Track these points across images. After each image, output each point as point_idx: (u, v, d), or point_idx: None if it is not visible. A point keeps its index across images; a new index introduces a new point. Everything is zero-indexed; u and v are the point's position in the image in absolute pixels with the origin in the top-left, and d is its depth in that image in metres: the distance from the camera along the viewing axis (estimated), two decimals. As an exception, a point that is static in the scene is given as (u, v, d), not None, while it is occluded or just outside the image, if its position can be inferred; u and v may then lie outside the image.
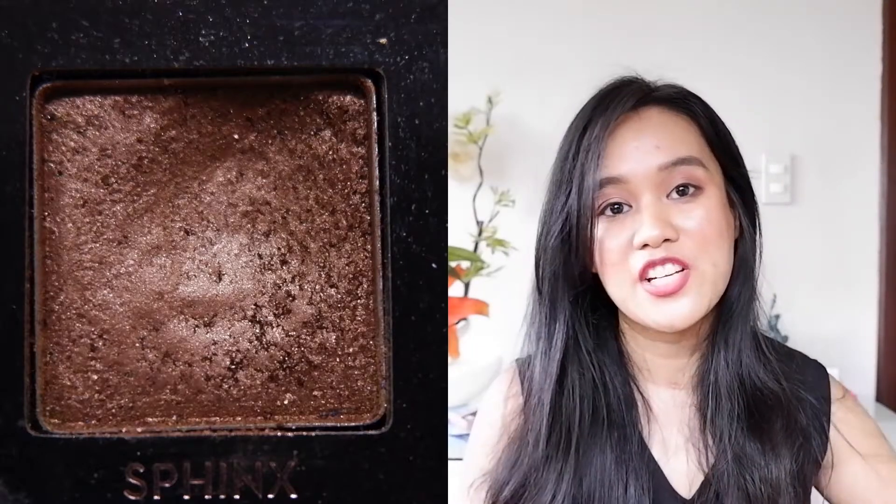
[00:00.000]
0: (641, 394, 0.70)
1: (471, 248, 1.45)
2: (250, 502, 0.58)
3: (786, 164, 1.51)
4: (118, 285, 0.60)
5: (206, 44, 0.58)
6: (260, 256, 0.60)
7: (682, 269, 0.63)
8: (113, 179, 0.60)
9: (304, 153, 0.60)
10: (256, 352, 0.60)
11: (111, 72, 0.58)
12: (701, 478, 0.68)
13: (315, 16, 0.58)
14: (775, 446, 0.66)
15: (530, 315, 0.72)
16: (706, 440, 0.68)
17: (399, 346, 0.58)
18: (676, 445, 0.69)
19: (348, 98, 0.60)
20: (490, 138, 1.47)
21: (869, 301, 1.53)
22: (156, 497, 0.58)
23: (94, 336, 0.59)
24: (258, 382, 0.60)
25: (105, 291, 0.60)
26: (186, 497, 0.58)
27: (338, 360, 0.60)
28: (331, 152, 0.60)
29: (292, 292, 0.60)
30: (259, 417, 0.59)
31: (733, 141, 0.69)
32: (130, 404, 0.59)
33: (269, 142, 0.60)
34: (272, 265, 0.60)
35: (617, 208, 0.66)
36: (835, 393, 0.71)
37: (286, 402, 0.60)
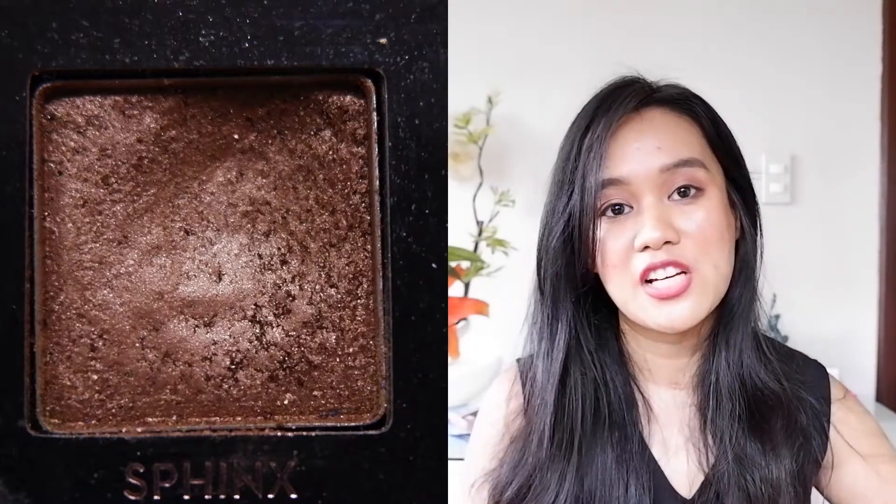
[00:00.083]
0: (642, 394, 0.71)
1: (471, 248, 1.45)
2: (250, 502, 0.58)
3: (786, 164, 1.51)
4: (118, 285, 0.60)
5: (206, 44, 0.58)
6: (260, 256, 0.60)
7: (683, 273, 0.63)
8: (113, 179, 0.60)
9: (304, 153, 0.60)
10: (256, 352, 0.60)
11: (111, 72, 0.58)
12: (701, 478, 0.68)
13: (315, 16, 0.58)
14: (776, 447, 0.66)
15: (532, 315, 0.72)
16: (706, 440, 0.68)
17: (399, 346, 0.58)
18: (677, 445, 0.69)
19: (348, 98, 0.60)
20: (490, 138, 1.47)
21: (869, 301, 1.53)
22: (156, 497, 0.58)
23: (94, 336, 0.59)
24: (258, 382, 0.60)
25: (105, 291, 0.60)
26: (186, 497, 0.58)
27: (338, 360, 0.60)
28: (331, 152, 0.60)
29: (292, 292, 0.60)
30: (259, 417, 0.59)
31: (735, 142, 0.69)
32: (130, 404, 0.59)
33: (269, 142, 0.60)
34: (272, 265, 0.60)
35: (618, 209, 0.66)
36: (835, 393, 0.71)
37: (286, 402, 0.60)
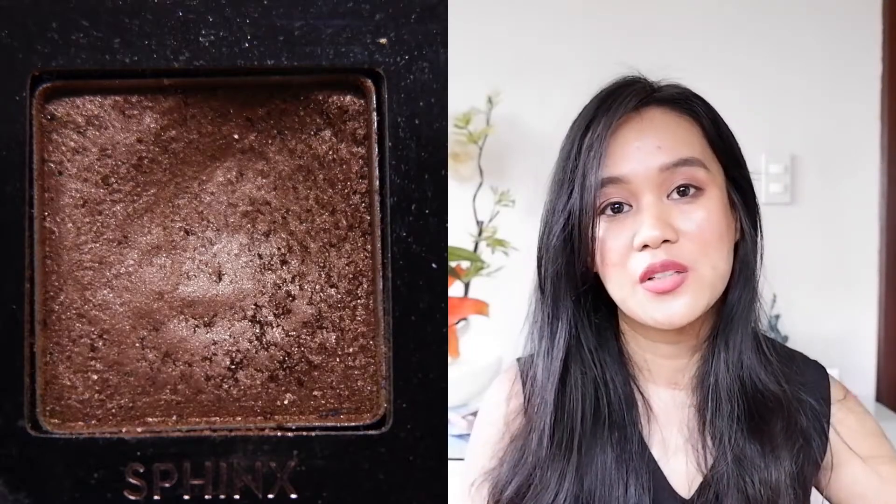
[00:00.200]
0: (642, 394, 0.71)
1: (471, 248, 1.45)
2: (250, 502, 0.58)
3: (786, 164, 1.51)
4: (118, 285, 0.60)
5: (206, 44, 0.58)
6: (260, 256, 0.60)
7: (682, 271, 0.64)
8: (113, 179, 0.60)
9: (304, 153, 0.60)
10: (256, 352, 0.60)
11: (111, 72, 0.58)
12: (700, 478, 0.68)
13: (315, 16, 0.58)
14: (775, 448, 0.66)
15: (532, 314, 0.72)
16: (705, 441, 0.68)
17: (399, 346, 0.58)
18: (676, 446, 0.69)
19: (348, 98, 0.60)
20: (490, 138, 1.47)
21: (869, 301, 1.53)
22: (156, 497, 0.58)
23: (94, 336, 0.59)
24: (258, 382, 0.60)
25: (105, 291, 0.60)
26: (186, 497, 0.58)
27: (338, 360, 0.60)
28: (331, 152, 0.60)
29: (292, 292, 0.60)
30: (259, 417, 0.59)
31: (736, 142, 0.69)
32: (130, 404, 0.59)
33: (269, 142, 0.60)
34: (272, 265, 0.60)
35: (618, 208, 0.66)
36: (835, 394, 0.71)
37: (286, 402, 0.60)
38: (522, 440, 0.70)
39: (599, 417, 0.68)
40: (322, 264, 0.60)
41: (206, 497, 0.58)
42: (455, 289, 1.44)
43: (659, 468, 0.68)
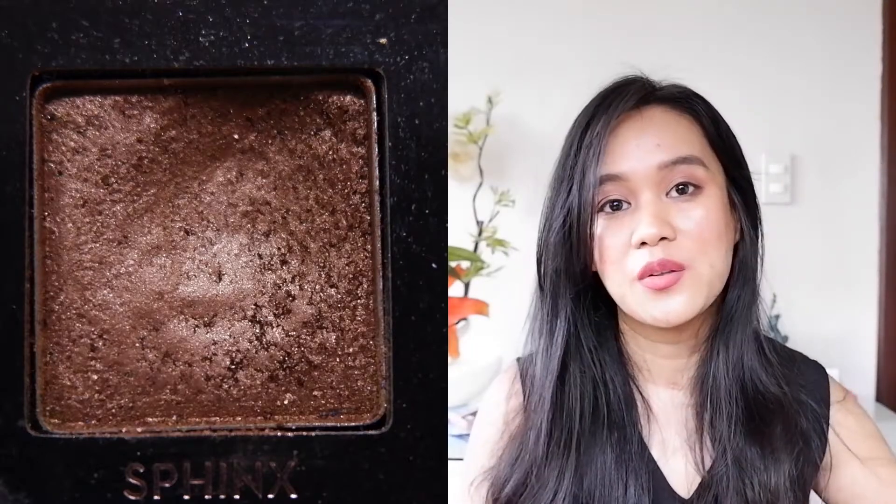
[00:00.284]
0: (641, 394, 0.71)
1: (471, 248, 1.45)
2: (250, 502, 0.58)
3: (786, 164, 1.51)
4: (118, 285, 0.60)
5: (206, 44, 0.58)
6: (260, 256, 0.60)
7: (679, 269, 0.64)
8: (113, 179, 0.60)
9: (304, 153, 0.60)
10: (256, 352, 0.60)
11: (111, 72, 0.58)
12: (699, 479, 0.68)
13: (315, 16, 0.58)
14: (775, 451, 0.66)
15: (532, 312, 0.72)
16: (703, 442, 0.68)
17: (399, 346, 0.58)
18: (675, 446, 0.69)
19: (348, 98, 0.60)
20: (490, 138, 1.47)
21: (869, 301, 1.53)
22: (156, 497, 0.58)
23: (94, 336, 0.59)
24: (258, 382, 0.60)
25: (105, 291, 0.60)
26: (186, 497, 0.58)
27: (338, 360, 0.60)
28: (331, 152, 0.60)
29: (292, 292, 0.60)
30: (259, 417, 0.59)
31: (737, 142, 0.69)
32: (130, 404, 0.59)
33: (269, 142, 0.60)
34: (272, 265, 0.60)
35: (616, 206, 0.66)
36: (834, 395, 0.71)
37: (286, 402, 0.60)
38: (521, 438, 0.70)
39: (598, 417, 0.68)
40: (322, 264, 0.60)
41: (206, 497, 0.58)
42: (455, 289, 1.44)
43: (658, 468, 0.68)
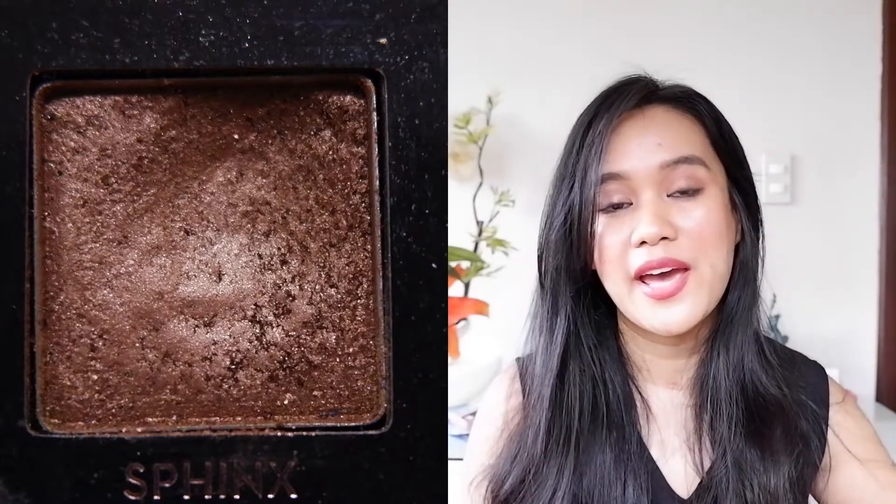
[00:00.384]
0: (640, 394, 0.70)
1: (471, 248, 1.45)
2: (250, 502, 0.58)
3: (786, 164, 1.51)
4: (118, 285, 0.60)
5: (206, 44, 0.58)
6: (260, 256, 0.60)
7: (679, 270, 0.63)
8: (113, 179, 0.60)
9: (304, 153, 0.60)
10: (256, 352, 0.60)
11: (111, 72, 0.58)
12: (698, 480, 0.68)
13: (315, 16, 0.58)
14: (774, 453, 0.66)
15: (533, 309, 0.72)
16: (702, 442, 0.68)
17: (399, 346, 0.58)
18: (674, 446, 0.69)
19: (348, 98, 0.60)
20: (490, 138, 1.47)
21: (869, 301, 1.53)
22: (156, 497, 0.57)
23: (94, 336, 0.59)
24: (258, 382, 0.60)
25: (105, 291, 0.59)
26: (186, 497, 0.58)
27: (338, 360, 0.60)
28: (331, 152, 0.60)
29: (292, 292, 0.60)
30: (259, 417, 0.59)
31: (739, 143, 0.69)
32: (130, 404, 0.59)
33: (269, 142, 0.60)
34: (272, 265, 0.60)
35: (617, 205, 0.66)
36: (834, 397, 0.71)
37: (286, 402, 0.60)
38: (520, 436, 0.70)
39: (598, 416, 0.68)
40: (322, 264, 0.60)
41: (206, 497, 0.58)
42: (455, 289, 1.44)
43: (658, 468, 0.68)
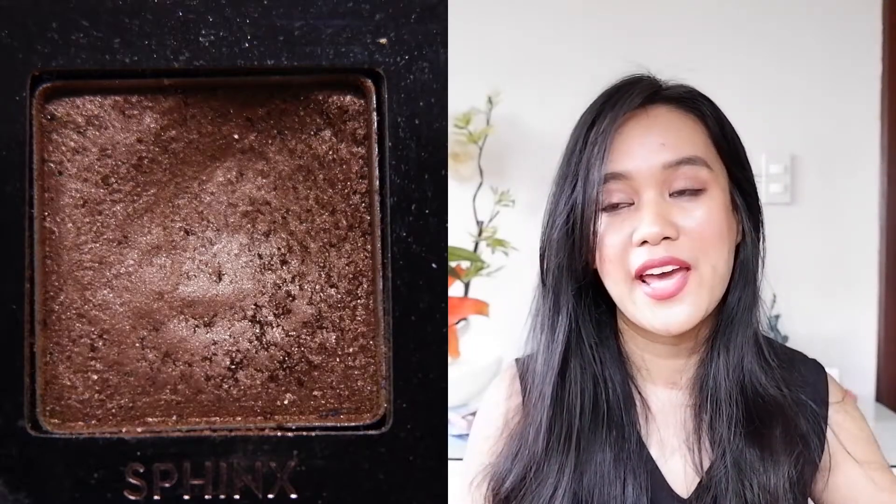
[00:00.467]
0: (640, 393, 0.71)
1: (471, 248, 1.45)
2: (250, 502, 0.58)
3: (786, 164, 1.51)
4: (118, 285, 0.60)
5: (206, 44, 0.58)
6: (260, 256, 0.60)
7: (681, 270, 0.63)
8: (113, 179, 0.60)
9: (304, 153, 0.60)
10: (256, 352, 0.60)
11: (111, 72, 0.58)
12: (697, 479, 0.68)
13: (315, 16, 0.58)
14: (774, 453, 0.66)
15: (534, 307, 0.72)
16: (701, 442, 0.68)
17: (399, 346, 0.58)
18: (673, 446, 0.69)
19: (348, 98, 0.60)
20: (490, 138, 1.47)
21: (869, 301, 1.53)
22: (156, 497, 0.58)
23: (94, 336, 0.59)
24: (258, 382, 0.60)
25: (105, 291, 0.59)
26: (186, 497, 0.58)
27: (338, 360, 0.60)
28: (331, 152, 0.60)
29: (292, 292, 0.60)
30: (259, 417, 0.59)
31: (741, 144, 0.69)
32: (130, 404, 0.59)
33: (269, 142, 0.60)
34: (272, 265, 0.60)
35: (619, 204, 0.66)
36: (833, 396, 0.71)
37: (286, 402, 0.60)
38: (521, 434, 0.70)
39: (598, 414, 0.68)
40: (322, 264, 0.60)
41: (206, 497, 0.58)
42: (455, 289, 1.44)
43: (657, 468, 0.68)
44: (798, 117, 1.51)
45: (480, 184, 1.48)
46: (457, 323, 1.41)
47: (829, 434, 0.69)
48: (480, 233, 1.45)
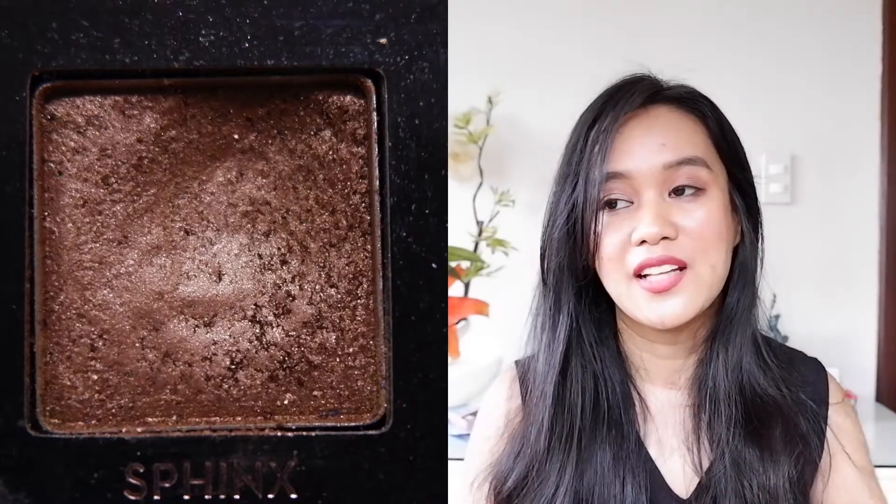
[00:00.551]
0: (639, 393, 0.71)
1: (471, 248, 1.45)
2: (250, 502, 0.58)
3: (786, 164, 1.51)
4: (118, 285, 0.60)
5: (206, 44, 0.58)
6: (260, 256, 0.60)
7: (679, 269, 0.64)
8: (113, 179, 0.60)
9: (304, 153, 0.60)
10: (256, 352, 0.60)
11: (111, 72, 0.58)
12: (697, 480, 0.68)
13: (315, 16, 0.58)
14: (774, 453, 0.66)
15: (535, 306, 0.72)
16: (700, 442, 0.68)
17: (399, 346, 0.58)
18: (672, 446, 0.69)
19: (348, 98, 0.60)
20: (490, 138, 1.47)
21: (869, 301, 1.53)
22: (156, 497, 0.58)
23: (94, 336, 0.59)
24: (258, 382, 0.60)
25: (105, 291, 0.60)
26: (186, 497, 0.58)
27: (338, 360, 0.60)
28: (331, 152, 0.60)
29: (292, 292, 0.60)
30: (259, 417, 0.59)
31: (741, 145, 0.69)
32: (130, 404, 0.59)
33: (269, 142, 0.60)
34: (272, 265, 0.60)
35: (619, 203, 0.66)
36: (833, 396, 0.71)
37: (286, 402, 0.60)
38: (522, 434, 0.70)
39: (598, 413, 0.68)
40: (322, 264, 0.60)
41: (206, 497, 0.58)
42: (455, 289, 1.44)
43: (656, 467, 0.68)
44: (798, 117, 1.51)
45: (480, 184, 1.48)
46: (457, 323, 1.41)
47: (828, 434, 0.69)
48: (480, 233, 1.45)
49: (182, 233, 0.60)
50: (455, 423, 1.26)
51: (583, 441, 0.67)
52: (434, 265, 0.58)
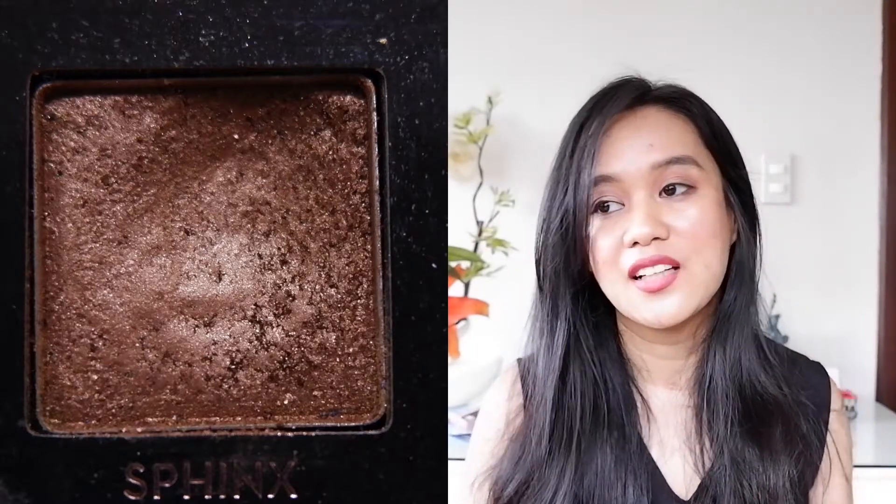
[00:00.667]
0: (640, 394, 0.71)
1: (471, 248, 1.45)
2: (250, 502, 0.58)
3: (786, 164, 1.51)
4: (118, 285, 0.60)
5: (206, 44, 0.58)
6: (260, 256, 0.60)
7: (673, 268, 0.64)
8: (113, 179, 0.60)
9: (304, 153, 0.61)
10: (256, 352, 0.60)
11: (111, 72, 0.58)
12: (698, 480, 0.68)
13: (315, 16, 0.58)
14: (774, 453, 0.66)
15: (533, 313, 0.72)
16: (702, 443, 0.68)
17: (399, 346, 0.58)
18: (674, 447, 0.69)
19: (348, 98, 0.60)
20: (490, 138, 1.47)
21: (869, 301, 1.53)
22: (156, 497, 0.58)
23: (94, 336, 0.59)
24: (258, 382, 0.60)
25: (105, 291, 0.60)
26: (186, 497, 0.58)
27: (338, 360, 0.60)
28: (331, 152, 0.60)
29: (292, 292, 0.60)
30: (259, 417, 0.59)
31: (733, 142, 0.69)
32: (130, 404, 0.59)
33: (269, 142, 0.60)
34: (272, 265, 0.60)
35: (610, 206, 0.66)
36: (834, 402, 0.71)
37: (286, 402, 0.60)
38: (523, 438, 0.70)
39: (599, 416, 0.68)
40: (322, 264, 0.60)
41: (206, 497, 0.58)
42: (455, 289, 1.44)
43: (658, 469, 0.68)
44: (798, 117, 1.51)
45: (480, 184, 1.48)
46: (457, 323, 1.41)
47: (829, 439, 0.69)
48: (480, 233, 1.45)
49: (182, 233, 0.60)
50: (455, 423, 1.26)
51: (582, 444, 0.67)
52: (434, 265, 0.58)
